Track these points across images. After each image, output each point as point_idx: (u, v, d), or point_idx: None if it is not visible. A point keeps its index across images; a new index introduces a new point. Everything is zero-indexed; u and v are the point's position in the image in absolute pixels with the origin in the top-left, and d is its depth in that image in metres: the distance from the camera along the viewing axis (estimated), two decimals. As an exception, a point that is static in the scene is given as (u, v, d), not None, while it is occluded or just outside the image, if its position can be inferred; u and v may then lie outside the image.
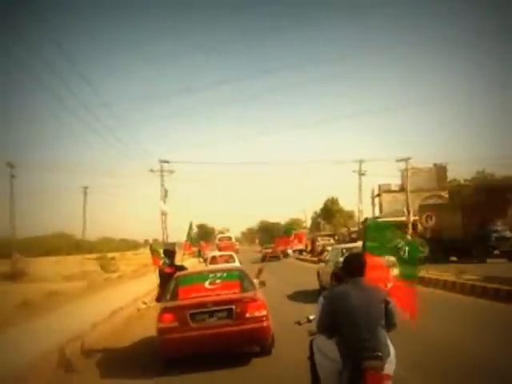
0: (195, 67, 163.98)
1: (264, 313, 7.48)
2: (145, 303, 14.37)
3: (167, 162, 48.56)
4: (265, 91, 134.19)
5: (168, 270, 10.07)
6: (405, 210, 40.36)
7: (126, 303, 14.54)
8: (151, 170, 47.55)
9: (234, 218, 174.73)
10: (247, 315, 7.36)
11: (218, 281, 8.13)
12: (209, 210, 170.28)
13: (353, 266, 4.08)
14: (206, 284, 8.08)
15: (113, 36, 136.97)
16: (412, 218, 38.71)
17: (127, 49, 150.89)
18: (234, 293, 7.90)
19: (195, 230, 28.97)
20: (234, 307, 7.39)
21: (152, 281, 13.11)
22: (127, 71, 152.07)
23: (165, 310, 7.51)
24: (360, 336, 3.72)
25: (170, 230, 46.39)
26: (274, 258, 37.23)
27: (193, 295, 7.86)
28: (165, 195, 47.20)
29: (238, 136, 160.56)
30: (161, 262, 10.76)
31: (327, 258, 17.82)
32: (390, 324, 3.95)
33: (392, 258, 5.78)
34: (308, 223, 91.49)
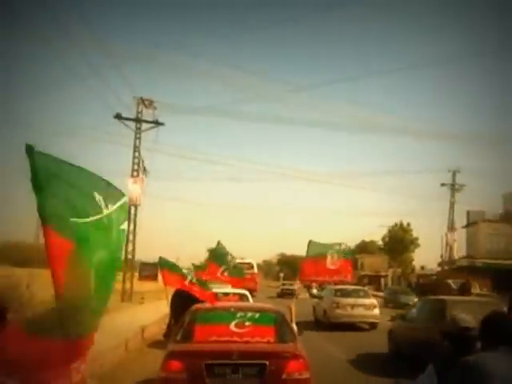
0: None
1: (307, 375, 5.80)
2: None
3: (151, 101, 27.17)
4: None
5: (200, 294, 9.62)
6: None
7: None
8: (117, 117, 26.63)
9: (248, 246, 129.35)
10: (284, 376, 5.70)
11: (247, 323, 6.41)
12: (217, 226, 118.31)
13: (505, 331, 2.85)
14: (232, 326, 6.34)
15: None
16: None
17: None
18: (269, 342, 6.24)
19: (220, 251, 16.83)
20: (267, 363, 5.71)
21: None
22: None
23: (172, 355, 5.88)
24: None
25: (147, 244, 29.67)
26: (288, 294, 33.36)
27: (213, 339, 6.19)
28: (143, 167, 27.21)
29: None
30: (186, 281, 10.05)
31: (322, 294, 21.99)
32: None
33: None
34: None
